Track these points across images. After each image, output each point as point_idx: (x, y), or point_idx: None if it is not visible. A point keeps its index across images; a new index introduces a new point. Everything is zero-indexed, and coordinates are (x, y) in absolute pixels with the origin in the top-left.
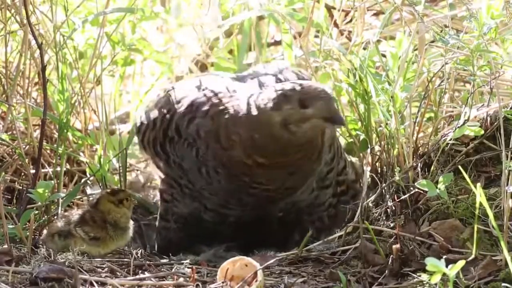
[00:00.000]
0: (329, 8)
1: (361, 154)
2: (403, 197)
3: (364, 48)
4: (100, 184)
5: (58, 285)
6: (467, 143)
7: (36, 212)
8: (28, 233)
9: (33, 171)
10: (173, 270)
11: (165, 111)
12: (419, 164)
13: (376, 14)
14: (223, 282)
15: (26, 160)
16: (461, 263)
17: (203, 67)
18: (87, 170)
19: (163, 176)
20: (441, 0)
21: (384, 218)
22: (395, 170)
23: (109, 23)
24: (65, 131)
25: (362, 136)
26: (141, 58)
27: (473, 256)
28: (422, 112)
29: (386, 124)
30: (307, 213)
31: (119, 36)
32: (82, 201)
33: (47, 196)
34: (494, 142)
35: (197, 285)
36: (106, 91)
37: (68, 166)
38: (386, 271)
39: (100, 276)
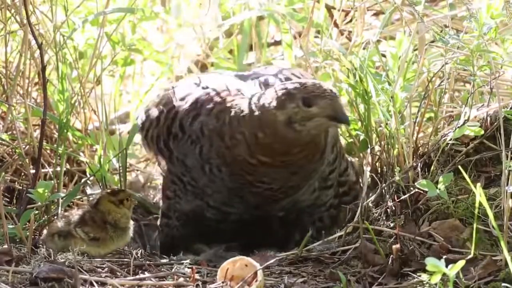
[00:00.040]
0: (329, 8)
1: (361, 154)
2: (403, 197)
3: (364, 48)
4: (100, 184)
5: (58, 285)
6: (467, 143)
7: (36, 212)
8: (28, 233)
9: (33, 171)
10: (173, 270)
11: (169, 107)
12: (419, 164)
13: (376, 14)
14: (223, 282)
15: (26, 160)
16: (461, 263)
17: (203, 67)
18: (87, 170)
19: (165, 173)
20: (441, 0)
21: (384, 218)
22: (395, 170)
23: (109, 23)
24: (65, 131)
25: (362, 136)
26: (141, 58)
27: (472, 255)
28: (422, 112)
29: (386, 124)
30: (308, 213)
31: (119, 36)
32: (82, 201)
33: (47, 196)
34: (494, 142)
35: (197, 285)
36: (106, 91)
37: (68, 166)
38: (386, 271)
39: (100, 276)
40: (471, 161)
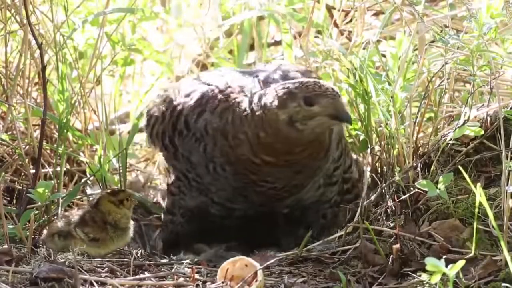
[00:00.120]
0: (329, 8)
1: (361, 154)
2: (403, 197)
3: (364, 48)
4: (100, 184)
5: (58, 285)
6: (467, 143)
7: (36, 212)
8: (28, 233)
9: (33, 171)
10: (173, 270)
11: (174, 104)
12: (419, 164)
13: (376, 14)
14: (223, 282)
15: (26, 160)
16: (461, 263)
17: (203, 67)
18: (87, 170)
19: (170, 169)
20: (441, 0)
21: (384, 218)
22: (395, 170)
23: (109, 23)
24: (65, 131)
25: (362, 136)
26: (141, 58)
27: (473, 254)
28: (422, 112)
29: (386, 124)
30: (313, 209)
31: (119, 36)
32: (82, 201)
33: (47, 196)
34: (494, 142)
35: (197, 285)
36: (106, 91)
37: (68, 166)
38: (386, 271)
39: (100, 276)
40: (471, 161)
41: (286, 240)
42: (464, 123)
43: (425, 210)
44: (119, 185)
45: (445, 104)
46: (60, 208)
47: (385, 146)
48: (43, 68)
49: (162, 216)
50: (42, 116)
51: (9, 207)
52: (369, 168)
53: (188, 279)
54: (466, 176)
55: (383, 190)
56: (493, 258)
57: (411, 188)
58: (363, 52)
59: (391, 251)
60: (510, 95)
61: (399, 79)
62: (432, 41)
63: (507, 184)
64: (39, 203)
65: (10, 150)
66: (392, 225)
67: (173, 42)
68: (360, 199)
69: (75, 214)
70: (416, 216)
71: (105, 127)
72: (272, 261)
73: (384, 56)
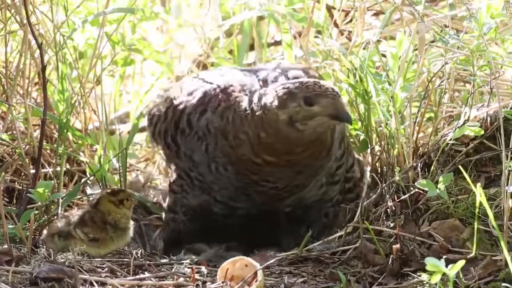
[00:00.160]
0: (329, 8)
1: (361, 154)
2: (403, 197)
3: (364, 48)
4: (100, 184)
5: (58, 285)
6: (467, 143)
7: (36, 212)
8: (28, 233)
9: (33, 171)
10: (173, 270)
11: (177, 102)
12: (419, 164)
13: (376, 14)
14: (223, 282)
15: (26, 160)
16: (461, 263)
17: (203, 67)
18: (87, 170)
19: (173, 167)
20: (441, 0)
21: (384, 218)
22: (395, 170)
23: (109, 23)
24: (65, 131)
25: (362, 136)
26: (141, 58)
27: (473, 254)
28: (422, 112)
29: (386, 124)
30: (315, 208)
31: (119, 36)
32: (82, 201)
33: (47, 196)
34: (494, 142)
35: (197, 285)
36: (106, 91)
37: (68, 166)
38: (386, 271)
39: (100, 276)
40: (471, 161)
41: (287, 240)
42: (464, 123)
43: (425, 210)
44: (119, 185)
45: (445, 104)
46: (60, 208)
47: (385, 146)
48: (43, 68)
49: (164, 215)
50: (42, 116)
51: (9, 207)
52: (369, 168)
53: (188, 279)
54: (466, 176)
55: (383, 190)
56: (493, 258)
57: (411, 188)
58: (363, 52)
59: (391, 251)
60: (510, 95)
61: (399, 79)
62: (432, 41)
63: (507, 184)
64: (39, 203)
65: (10, 150)
66: (392, 225)
67: (173, 42)
68: (359, 200)
69: (75, 214)
70: (416, 216)
71: (105, 127)
72: (272, 261)
73: (384, 56)
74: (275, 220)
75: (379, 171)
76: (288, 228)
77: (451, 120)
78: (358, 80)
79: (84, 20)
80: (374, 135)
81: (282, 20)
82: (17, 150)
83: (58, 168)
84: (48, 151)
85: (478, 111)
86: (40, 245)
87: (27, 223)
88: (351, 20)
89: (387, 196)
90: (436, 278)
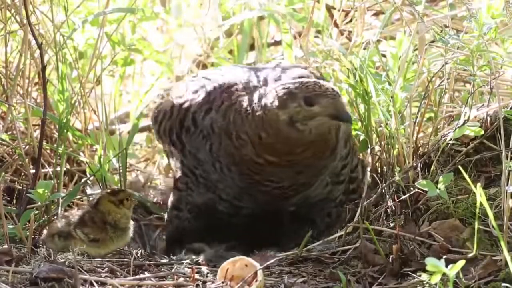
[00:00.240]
0: (329, 8)
1: (361, 154)
2: (403, 197)
3: (364, 48)
4: (100, 184)
5: (58, 285)
6: (467, 143)
7: (36, 212)
8: (28, 233)
9: (33, 171)
10: (173, 270)
11: (182, 101)
12: (419, 164)
13: (376, 14)
14: (223, 282)
15: (26, 160)
16: (461, 263)
17: (203, 67)
18: (87, 170)
19: (178, 165)
20: (441, 0)
21: (384, 218)
22: (395, 170)
23: (109, 23)
24: (65, 131)
25: (362, 136)
26: (141, 58)
27: (473, 254)
28: (422, 112)
29: (386, 124)
30: (318, 208)
31: (119, 36)
32: (82, 201)
33: (47, 196)
34: (494, 142)
35: (197, 285)
36: (106, 91)
37: (68, 166)
38: (386, 271)
39: (100, 276)
40: (471, 161)
41: (291, 239)
42: (464, 123)
43: (425, 210)
44: (119, 185)
45: (445, 104)
46: (60, 208)
47: (385, 146)
48: (43, 68)
49: (167, 212)
50: (42, 116)
51: (9, 207)
52: (369, 168)
53: (188, 279)
54: (466, 176)
55: (383, 190)
56: (493, 258)
57: (411, 188)
58: (363, 52)
59: (391, 251)
60: (510, 95)
61: (399, 79)
62: (432, 41)
63: (507, 184)
64: (39, 203)
65: (10, 150)
66: (392, 225)
67: (173, 42)
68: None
69: (75, 214)
70: (416, 216)
71: (105, 127)
72: (272, 261)
73: (384, 56)
74: (279, 220)
75: (379, 171)
76: (292, 227)
77: (451, 120)
78: (358, 80)
79: (84, 20)
80: (374, 135)
81: (282, 20)
82: (17, 150)
83: (58, 168)
84: (48, 151)
85: (478, 111)
86: (40, 245)
87: (27, 223)
88: (351, 20)
89: (387, 196)
90: (436, 278)
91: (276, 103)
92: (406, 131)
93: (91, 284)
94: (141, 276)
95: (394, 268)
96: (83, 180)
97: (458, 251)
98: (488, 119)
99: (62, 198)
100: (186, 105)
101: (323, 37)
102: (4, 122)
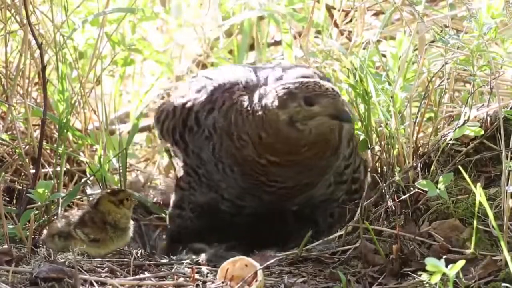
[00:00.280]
0: (329, 8)
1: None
2: (403, 197)
3: (364, 48)
4: (100, 184)
5: (58, 285)
6: (467, 143)
7: (36, 212)
8: (28, 233)
9: (33, 171)
10: (173, 270)
11: (184, 100)
12: (419, 164)
13: (376, 14)
14: (223, 282)
15: (26, 160)
16: (461, 263)
17: (203, 67)
18: (87, 170)
19: (180, 164)
20: (441, 0)
21: (384, 218)
22: (395, 170)
23: (109, 23)
24: (65, 131)
25: (362, 136)
26: (141, 58)
27: (472, 253)
28: (422, 112)
29: (386, 124)
30: (321, 208)
31: (119, 36)
32: (82, 201)
33: (47, 196)
34: (494, 142)
35: (197, 285)
36: (106, 91)
37: (68, 166)
38: (386, 271)
39: (100, 276)
40: (471, 161)
41: (295, 239)
42: (464, 123)
43: (425, 210)
44: (119, 185)
45: (445, 104)
46: (60, 208)
47: (385, 146)
48: (43, 68)
49: (169, 210)
50: (42, 116)
51: (9, 207)
52: (369, 168)
53: (188, 279)
54: (466, 176)
55: (383, 190)
56: (493, 258)
57: (411, 188)
58: (363, 52)
59: (391, 251)
60: (510, 95)
61: (399, 79)
62: (432, 41)
63: (507, 184)
64: (39, 203)
65: (10, 150)
66: (392, 225)
67: (173, 42)
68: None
69: (75, 214)
70: (416, 216)
71: (105, 127)
72: (272, 261)
73: (384, 56)
74: (282, 220)
75: (379, 171)
76: (295, 227)
77: (451, 120)
78: (358, 80)
79: (84, 20)
80: (374, 135)
81: (282, 20)
82: (17, 150)
83: (58, 168)
84: (48, 151)
85: (478, 111)
86: (40, 245)
87: (27, 223)
88: (351, 20)
89: (387, 196)
90: (436, 278)
91: (276, 103)
92: (406, 131)
93: (91, 284)
94: (141, 276)
95: (394, 268)
96: (83, 180)
97: (458, 251)
98: (488, 119)
99: (62, 198)
100: (189, 104)
101: (323, 37)
102: (4, 122)
